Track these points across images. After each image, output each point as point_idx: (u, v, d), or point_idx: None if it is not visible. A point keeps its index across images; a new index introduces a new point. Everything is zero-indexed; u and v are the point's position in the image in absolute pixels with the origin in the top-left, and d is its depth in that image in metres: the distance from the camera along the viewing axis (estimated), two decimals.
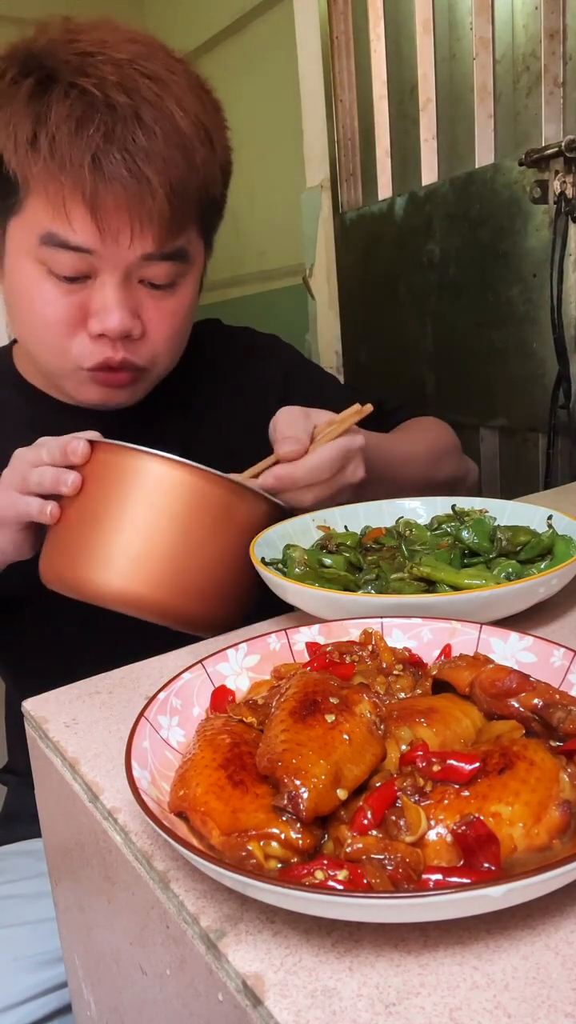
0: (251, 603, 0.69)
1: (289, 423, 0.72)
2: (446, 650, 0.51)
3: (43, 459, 0.66)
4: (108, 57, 0.71)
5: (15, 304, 0.79)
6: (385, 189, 2.03)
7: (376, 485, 0.81)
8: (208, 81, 0.80)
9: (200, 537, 0.64)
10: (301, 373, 1.03)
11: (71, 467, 0.65)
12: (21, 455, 0.69)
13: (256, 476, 0.72)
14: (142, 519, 0.63)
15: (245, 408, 0.95)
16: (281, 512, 0.71)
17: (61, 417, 0.85)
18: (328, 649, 0.50)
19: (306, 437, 0.72)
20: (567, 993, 0.30)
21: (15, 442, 0.71)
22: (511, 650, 0.49)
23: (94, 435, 0.67)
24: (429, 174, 1.86)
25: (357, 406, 0.75)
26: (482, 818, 0.34)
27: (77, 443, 0.64)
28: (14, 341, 0.96)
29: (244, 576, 0.67)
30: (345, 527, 0.76)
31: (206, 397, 0.96)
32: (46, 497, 0.66)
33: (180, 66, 0.76)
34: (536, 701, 0.42)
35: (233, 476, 0.67)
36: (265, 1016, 0.31)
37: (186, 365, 0.93)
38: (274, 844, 0.35)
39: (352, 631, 0.53)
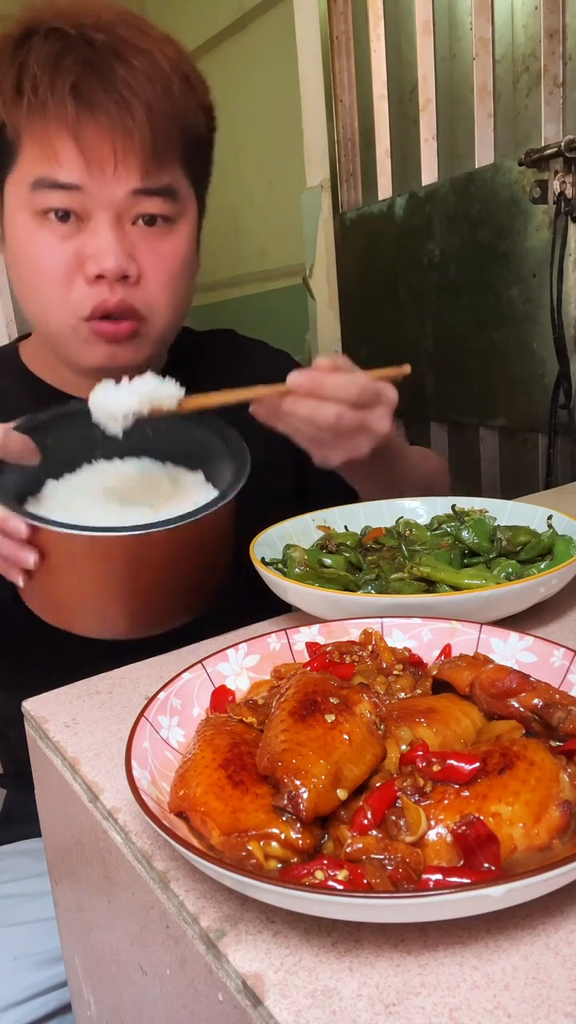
0: (224, 580, 0.71)
1: (335, 356, 0.75)
2: (446, 650, 0.51)
3: None
4: (86, 10, 0.74)
5: (15, 263, 0.79)
6: (385, 189, 2.03)
7: (386, 483, 0.82)
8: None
9: (159, 576, 0.65)
10: None
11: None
12: None
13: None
14: (92, 582, 0.65)
15: (253, 419, 0.95)
16: (228, 513, 0.69)
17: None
18: (328, 649, 0.50)
19: (344, 368, 0.73)
20: (567, 993, 0.30)
21: None
22: (511, 650, 0.49)
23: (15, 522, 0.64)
24: (429, 174, 1.86)
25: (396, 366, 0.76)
26: (482, 818, 0.34)
27: (17, 524, 0.63)
28: (21, 338, 0.95)
29: (211, 574, 0.69)
30: (345, 527, 0.76)
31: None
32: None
33: (155, 27, 0.77)
34: (536, 701, 0.42)
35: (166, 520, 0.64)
36: (265, 1016, 0.31)
37: (196, 370, 0.93)
38: (274, 844, 0.35)
39: (352, 631, 0.53)
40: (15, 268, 0.80)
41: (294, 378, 0.70)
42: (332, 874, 0.33)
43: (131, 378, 0.74)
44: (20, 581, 0.66)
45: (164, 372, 0.88)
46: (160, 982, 0.40)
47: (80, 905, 0.53)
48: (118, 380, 0.73)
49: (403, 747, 0.39)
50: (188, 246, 0.81)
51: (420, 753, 0.38)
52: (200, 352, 0.96)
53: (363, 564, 0.69)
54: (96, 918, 0.50)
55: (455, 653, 0.50)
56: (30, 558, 0.64)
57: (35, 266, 0.76)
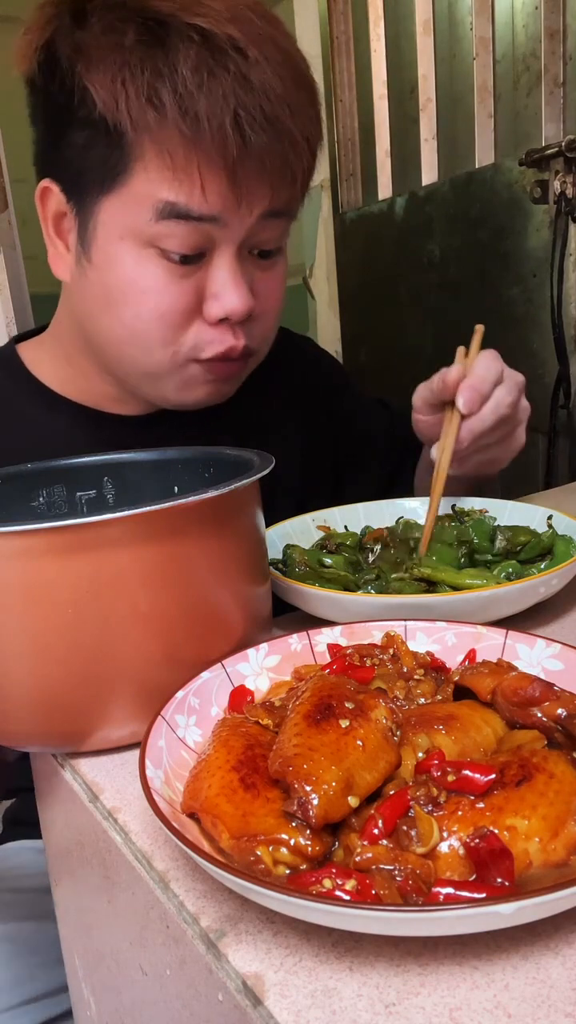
0: None
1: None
2: (471, 655, 0.50)
3: None
4: None
5: (110, 296, 0.67)
6: (385, 189, 2.03)
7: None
8: None
9: None
10: (351, 397, 1.00)
11: None
12: None
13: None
14: None
15: (303, 416, 0.91)
16: None
17: (87, 426, 0.77)
18: (348, 652, 0.49)
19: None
20: (567, 993, 0.30)
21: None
22: (538, 657, 0.48)
23: None
24: (429, 174, 1.86)
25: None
26: (496, 831, 0.33)
27: None
28: (16, 340, 0.84)
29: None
30: (345, 527, 0.76)
31: (270, 406, 0.88)
32: None
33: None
34: (560, 711, 0.40)
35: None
36: (265, 1016, 0.31)
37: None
38: (283, 850, 0.34)
39: (375, 633, 0.52)
40: (113, 304, 0.68)
41: (465, 401, 0.69)
42: (340, 883, 0.32)
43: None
44: None
45: None
46: (160, 982, 0.40)
47: (80, 905, 0.53)
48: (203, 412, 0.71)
49: (420, 755, 0.39)
50: (286, 270, 0.75)
51: (435, 762, 0.37)
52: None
53: (363, 564, 0.69)
54: (96, 918, 0.50)
55: (480, 658, 0.49)
56: None
57: (149, 306, 0.66)
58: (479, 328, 0.76)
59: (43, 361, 0.80)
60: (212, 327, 0.67)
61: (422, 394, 0.76)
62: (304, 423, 0.90)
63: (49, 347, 0.80)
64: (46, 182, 0.68)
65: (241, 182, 0.62)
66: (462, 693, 0.45)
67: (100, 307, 0.69)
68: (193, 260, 0.65)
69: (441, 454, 0.71)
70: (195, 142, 0.59)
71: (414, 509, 0.78)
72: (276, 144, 0.61)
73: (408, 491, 0.96)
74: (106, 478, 0.63)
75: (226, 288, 0.66)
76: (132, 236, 0.64)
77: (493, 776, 0.36)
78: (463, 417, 0.70)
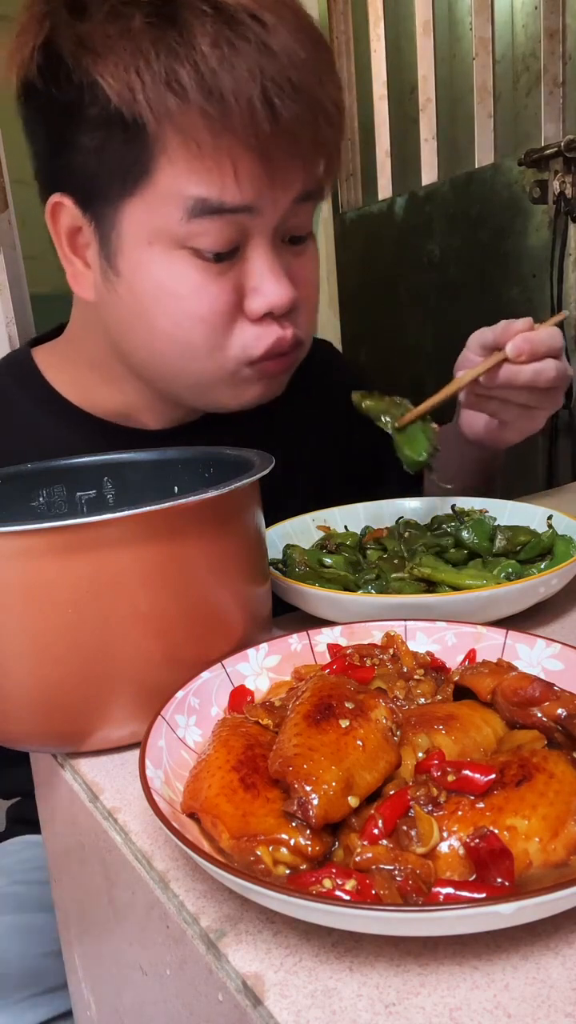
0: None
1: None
2: (471, 655, 0.50)
3: None
4: None
5: (146, 309, 0.64)
6: (385, 189, 2.03)
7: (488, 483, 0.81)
8: None
9: None
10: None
11: None
12: None
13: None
14: None
15: (314, 420, 0.90)
16: None
17: (92, 438, 0.74)
18: (348, 652, 0.49)
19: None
20: (567, 993, 0.30)
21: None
22: (537, 657, 0.48)
23: None
24: (429, 174, 1.86)
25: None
26: (496, 831, 0.33)
27: None
28: (31, 344, 0.80)
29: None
30: (345, 527, 0.76)
31: (280, 412, 0.84)
32: None
33: None
34: (560, 711, 0.40)
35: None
36: (265, 1016, 0.31)
37: None
38: (283, 850, 0.34)
39: (375, 633, 0.52)
40: (141, 312, 0.64)
41: (514, 345, 0.68)
42: (340, 883, 0.32)
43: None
44: None
45: None
46: (160, 982, 0.40)
47: (80, 905, 0.53)
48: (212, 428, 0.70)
49: (420, 755, 0.39)
50: (318, 253, 0.72)
51: (435, 762, 0.37)
52: None
53: (363, 564, 0.69)
54: (96, 918, 0.50)
55: (480, 658, 0.49)
56: None
57: (188, 313, 0.62)
58: (564, 312, 0.77)
59: (59, 368, 0.77)
60: (256, 324, 0.64)
61: (482, 337, 0.75)
62: (312, 427, 0.90)
63: (67, 355, 0.77)
64: (56, 197, 0.63)
65: (274, 162, 0.58)
66: (462, 693, 0.45)
67: (134, 321, 0.65)
68: (227, 256, 0.62)
69: (468, 372, 0.71)
70: (223, 124, 0.55)
71: (415, 509, 0.78)
72: (307, 115, 0.57)
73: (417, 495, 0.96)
74: (106, 478, 0.64)
75: (265, 280, 0.63)
76: (161, 239, 0.61)
77: (493, 776, 0.36)
78: (505, 361, 0.70)
